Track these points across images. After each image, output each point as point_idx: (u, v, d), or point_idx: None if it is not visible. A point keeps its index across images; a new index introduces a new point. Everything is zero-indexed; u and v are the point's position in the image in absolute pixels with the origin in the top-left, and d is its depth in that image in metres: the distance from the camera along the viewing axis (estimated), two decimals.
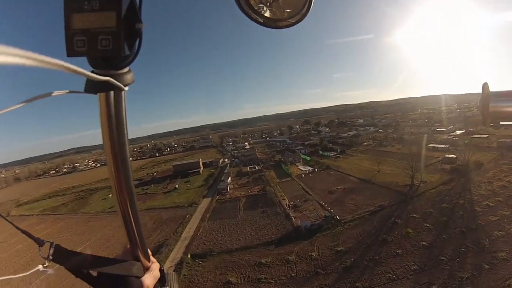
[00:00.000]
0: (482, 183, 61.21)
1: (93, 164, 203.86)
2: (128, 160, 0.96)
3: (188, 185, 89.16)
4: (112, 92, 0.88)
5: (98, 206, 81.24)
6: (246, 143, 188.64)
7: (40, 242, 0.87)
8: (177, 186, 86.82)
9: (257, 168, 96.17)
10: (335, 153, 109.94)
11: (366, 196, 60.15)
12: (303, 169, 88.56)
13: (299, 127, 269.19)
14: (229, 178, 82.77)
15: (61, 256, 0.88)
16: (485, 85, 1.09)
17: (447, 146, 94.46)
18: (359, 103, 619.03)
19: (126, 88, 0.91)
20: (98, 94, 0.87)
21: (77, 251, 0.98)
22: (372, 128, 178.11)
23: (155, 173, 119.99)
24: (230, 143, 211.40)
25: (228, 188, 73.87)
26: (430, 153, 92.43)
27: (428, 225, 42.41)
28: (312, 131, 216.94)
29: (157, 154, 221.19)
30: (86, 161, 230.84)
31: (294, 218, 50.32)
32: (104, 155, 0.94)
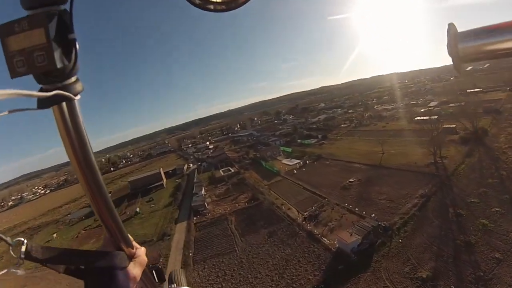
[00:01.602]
0: (503, 148, 53.59)
1: (43, 191, 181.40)
2: (93, 161, 0.98)
3: (151, 205, 67.68)
4: (64, 104, 0.89)
5: None
6: (208, 143, 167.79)
7: (10, 242, 0.84)
8: (138, 209, 64.95)
9: (232, 170, 78.01)
10: (316, 139, 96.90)
11: (393, 185, 47.39)
12: (290, 163, 72.94)
13: (257, 119, 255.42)
14: (203, 189, 63.47)
15: (36, 253, 0.85)
16: (451, 26, 1.03)
17: (436, 117, 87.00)
18: (310, 90, 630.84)
19: (77, 97, 0.91)
20: (52, 108, 0.88)
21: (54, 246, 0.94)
22: (339, 110, 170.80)
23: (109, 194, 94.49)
24: (190, 145, 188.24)
25: (205, 203, 54.83)
26: (421, 126, 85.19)
27: (497, 209, 33.76)
28: (276, 121, 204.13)
29: (111, 169, 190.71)
30: (36, 188, 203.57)
31: (324, 237, 34.16)
32: (68, 159, 0.95)
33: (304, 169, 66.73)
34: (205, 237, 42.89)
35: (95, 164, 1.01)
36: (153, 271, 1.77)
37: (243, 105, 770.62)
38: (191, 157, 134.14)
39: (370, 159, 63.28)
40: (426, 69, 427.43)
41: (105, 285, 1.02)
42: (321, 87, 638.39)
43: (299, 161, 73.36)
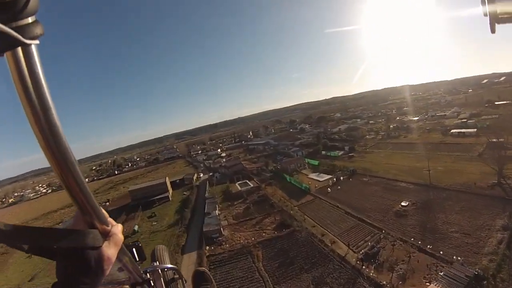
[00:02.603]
0: None
1: (44, 190, 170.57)
2: (56, 123, 0.80)
3: (153, 223, 57.03)
4: (19, 51, 0.71)
5: (17, 273, 48.10)
6: (219, 150, 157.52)
7: None
8: (136, 227, 54.50)
9: (251, 184, 66.92)
10: (343, 151, 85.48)
11: (461, 213, 38.17)
12: (320, 179, 61.77)
13: (270, 127, 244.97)
14: (217, 208, 52.57)
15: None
16: None
17: (474, 130, 76.62)
18: (323, 100, 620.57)
19: (35, 42, 0.72)
20: (5, 57, 0.70)
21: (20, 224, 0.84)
22: (359, 120, 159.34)
23: (107, 202, 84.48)
24: (200, 152, 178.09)
25: (221, 229, 43.65)
26: (459, 139, 74.64)
27: None
28: (292, 130, 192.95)
29: (116, 172, 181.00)
30: (39, 186, 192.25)
31: None
32: (27, 120, 0.77)
33: (339, 187, 55.29)
34: (222, 280, 31.62)
35: (58, 126, 0.82)
36: (133, 249, 1.67)
37: (254, 112, 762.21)
38: (201, 165, 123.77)
39: (416, 177, 53.35)
40: (438, 81, 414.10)
41: (76, 266, 0.90)
42: (334, 97, 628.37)
43: (330, 176, 62.11)
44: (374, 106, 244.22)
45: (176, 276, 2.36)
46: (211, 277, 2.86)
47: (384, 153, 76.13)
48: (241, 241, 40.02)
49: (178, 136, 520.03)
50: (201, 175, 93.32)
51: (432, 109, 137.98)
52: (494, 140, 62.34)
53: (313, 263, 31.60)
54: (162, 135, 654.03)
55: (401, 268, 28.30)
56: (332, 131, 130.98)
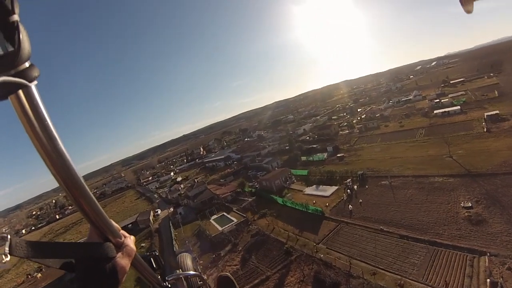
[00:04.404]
0: None
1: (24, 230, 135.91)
2: (62, 149, 0.89)
3: None
4: (21, 94, 0.79)
5: None
6: (172, 174, 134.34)
7: None
8: None
9: (233, 219, 48.96)
10: (327, 153, 73.05)
11: None
12: (324, 193, 47.71)
13: (222, 139, 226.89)
14: (199, 270, 33.73)
15: (20, 249, 0.81)
16: None
17: (458, 107, 73.76)
18: (265, 105, 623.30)
19: (33, 83, 0.81)
20: (10, 101, 0.79)
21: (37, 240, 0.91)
22: (318, 117, 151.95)
23: (29, 275, 59.22)
24: (150, 178, 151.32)
25: None
26: (447, 119, 68.88)
27: None
28: (247, 139, 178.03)
29: (57, 216, 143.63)
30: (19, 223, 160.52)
31: None
32: (36, 151, 0.86)
33: (360, 200, 40.89)
34: None
35: (65, 152, 0.90)
36: (151, 259, 1.69)
37: (199, 128, 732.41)
38: (156, 196, 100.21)
39: (442, 167, 43.90)
40: (374, 74, 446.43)
41: (92, 278, 0.98)
42: (276, 101, 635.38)
43: (336, 187, 48.00)
44: (323, 103, 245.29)
45: (201, 282, 2.35)
46: (235, 282, 2.77)
47: (378, 147, 65.32)
48: None
49: (126, 162, 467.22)
50: (159, 211, 71.07)
51: (389, 96, 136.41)
52: (491, 113, 58.94)
53: None
54: (109, 163, 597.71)
55: None
56: (299, 133, 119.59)
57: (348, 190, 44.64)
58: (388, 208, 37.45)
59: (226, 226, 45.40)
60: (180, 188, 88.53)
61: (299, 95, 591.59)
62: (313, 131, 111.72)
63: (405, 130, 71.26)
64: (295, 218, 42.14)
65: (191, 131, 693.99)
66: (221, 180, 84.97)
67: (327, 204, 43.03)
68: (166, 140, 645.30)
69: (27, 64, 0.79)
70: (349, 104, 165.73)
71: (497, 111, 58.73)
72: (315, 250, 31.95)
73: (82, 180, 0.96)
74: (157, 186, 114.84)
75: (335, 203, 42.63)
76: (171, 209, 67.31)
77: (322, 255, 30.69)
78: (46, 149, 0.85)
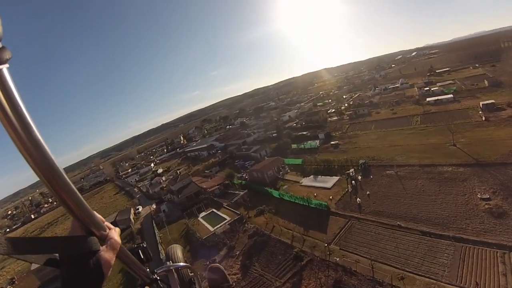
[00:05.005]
0: None
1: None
2: (38, 138, 0.83)
3: None
4: None
5: None
6: (153, 165, 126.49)
7: None
8: None
9: (226, 217, 43.98)
10: (319, 140, 69.38)
11: None
12: (325, 185, 44.04)
13: (202, 128, 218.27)
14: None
15: (1, 245, 0.79)
16: None
17: (451, 95, 72.32)
18: (245, 93, 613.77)
19: (5, 66, 0.77)
20: None
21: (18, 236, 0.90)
22: (303, 104, 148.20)
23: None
24: (130, 171, 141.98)
25: None
26: (441, 107, 66.85)
27: None
28: (229, 126, 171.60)
29: (32, 216, 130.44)
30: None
31: None
32: (10, 138, 0.80)
33: (368, 192, 37.28)
34: None
35: (42, 141, 0.85)
36: (139, 251, 1.66)
37: (179, 116, 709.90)
38: (136, 189, 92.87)
39: (448, 155, 41.75)
40: (354, 62, 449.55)
41: (76, 273, 0.94)
42: (255, 89, 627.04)
43: (337, 178, 44.28)
44: (304, 91, 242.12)
45: (192, 274, 2.31)
46: (226, 274, 2.77)
47: (373, 134, 62.38)
48: None
49: (105, 153, 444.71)
50: (140, 208, 64.43)
51: (374, 84, 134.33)
52: (487, 102, 57.47)
53: None
54: (87, 156, 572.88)
55: None
56: (283, 120, 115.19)
57: (353, 181, 40.89)
58: (400, 201, 34.13)
59: (218, 225, 40.39)
60: (161, 181, 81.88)
61: (279, 82, 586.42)
62: (299, 118, 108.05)
63: (399, 117, 68.83)
64: (296, 214, 37.93)
65: (171, 120, 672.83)
66: (206, 171, 79.44)
67: (330, 197, 39.11)
68: (146, 130, 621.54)
69: None
70: (333, 91, 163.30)
71: (493, 100, 57.62)
72: (328, 252, 27.91)
73: (62, 170, 0.92)
74: (137, 179, 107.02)
75: (340, 196, 38.82)
76: (154, 206, 61.03)
77: (337, 259, 26.70)
78: (21, 138, 0.80)
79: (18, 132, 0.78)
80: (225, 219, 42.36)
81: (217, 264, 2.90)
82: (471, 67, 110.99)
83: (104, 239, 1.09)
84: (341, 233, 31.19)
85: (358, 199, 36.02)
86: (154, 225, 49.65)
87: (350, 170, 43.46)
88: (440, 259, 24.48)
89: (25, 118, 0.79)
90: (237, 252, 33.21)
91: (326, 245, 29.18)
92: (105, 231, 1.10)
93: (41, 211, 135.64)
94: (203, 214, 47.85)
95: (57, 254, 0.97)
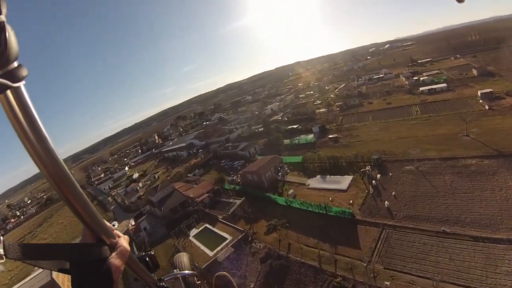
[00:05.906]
0: None
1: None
2: (53, 150, 0.88)
3: None
4: (9, 94, 0.79)
5: None
6: (127, 168, 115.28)
7: None
8: None
9: (226, 236, 36.99)
10: (314, 134, 64.12)
11: None
12: (339, 186, 38.60)
13: (178, 125, 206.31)
14: None
15: (14, 251, 0.82)
16: None
17: (445, 84, 70.19)
18: (218, 88, 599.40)
19: (20, 83, 0.79)
20: None
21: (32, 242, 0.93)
22: (283, 96, 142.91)
23: None
24: (102, 175, 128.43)
25: None
26: (436, 96, 64.72)
27: None
28: (206, 122, 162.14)
29: None
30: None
31: None
32: (26, 151, 0.85)
33: (393, 193, 32.19)
34: None
35: (56, 153, 0.90)
36: (146, 259, 1.73)
37: (151, 114, 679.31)
38: (110, 199, 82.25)
39: (465, 146, 38.42)
40: (327, 55, 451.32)
41: (87, 279, 0.98)
42: (228, 84, 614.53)
43: (351, 177, 38.94)
44: (281, 84, 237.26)
45: (198, 282, 2.32)
46: (233, 282, 2.70)
47: (374, 126, 58.19)
48: None
49: (76, 157, 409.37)
50: (116, 224, 53.21)
51: (356, 75, 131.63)
52: (485, 91, 55.61)
53: None
54: None
55: None
56: (266, 113, 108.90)
57: (373, 181, 35.64)
58: (434, 201, 29.46)
59: (219, 248, 33.20)
60: (138, 188, 72.72)
61: (252, 76, 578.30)
62: (284, 111, 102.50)
63: (395, 107, 65.64)
64: (312, 226, 32.01)
65: (143, 118, 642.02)
66: (188, 175, 70.85)
67: (350, 201, 33.65)
68: (118, 130, 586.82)
69: (15, 64, 0.78)
70: (312, 82, 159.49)
71: (491, 89, 56.06)
72: (372, 275, 22.20)
73: (74, 181, 0.96)
74: (111, 186, 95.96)
75: (361, 199, 33.47)
76: (132, 222, 52.22)
77: (387, 283, 21.18)
78: (37, 151, 0.84)
79: (34, 145, 0.83)
80: (225, 238, 35.27)
81: (224, 272, 2.78)
82: (452, 58, 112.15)
83: (114, 247, 1.12)
84: (378, 246, 25.71)
85: (386, 202, 30.77)
86: (135, 250, 41.10)
87: (367, 168, 38.33)
88: (503, 267, 20.62)
89: (41, 132, 0.84)
90: (251, 286, 26.45)
91: (365, 264, 23.54)
92: (115, 238, 1.14)
93: (7, 227, 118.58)
94: (194, 231, 40.47)
95: (67, 261, 1.00)
